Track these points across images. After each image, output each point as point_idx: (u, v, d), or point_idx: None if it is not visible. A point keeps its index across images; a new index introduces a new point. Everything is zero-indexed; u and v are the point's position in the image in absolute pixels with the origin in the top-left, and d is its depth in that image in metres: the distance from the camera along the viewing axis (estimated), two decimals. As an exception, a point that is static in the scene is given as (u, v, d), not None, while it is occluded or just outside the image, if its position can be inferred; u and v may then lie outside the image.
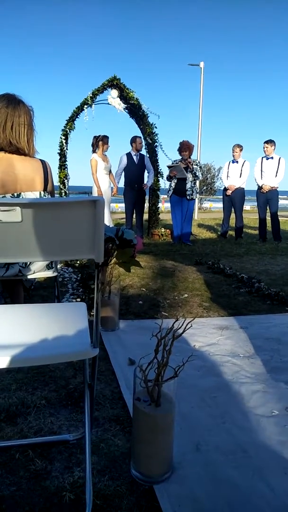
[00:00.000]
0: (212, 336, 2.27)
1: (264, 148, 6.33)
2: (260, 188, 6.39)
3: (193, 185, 5.96)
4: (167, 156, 6.57)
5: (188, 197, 5.93)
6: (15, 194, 1.68)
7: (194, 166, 5.91)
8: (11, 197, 1.66)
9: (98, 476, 1.15)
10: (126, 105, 6.68)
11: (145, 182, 6.42)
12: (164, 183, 6.76)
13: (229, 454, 1.26)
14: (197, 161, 6.16)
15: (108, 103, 6.45)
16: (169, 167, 5.94)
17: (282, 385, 1.71)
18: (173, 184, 5.97)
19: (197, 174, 5.99)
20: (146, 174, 6.48)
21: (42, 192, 1.75)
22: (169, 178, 6.01)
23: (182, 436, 1.34)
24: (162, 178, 6.81)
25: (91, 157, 5.87)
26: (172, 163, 5.97)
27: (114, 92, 6.40)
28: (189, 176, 5.88)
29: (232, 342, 2.18)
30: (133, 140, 6.24)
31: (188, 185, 5.90)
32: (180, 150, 5.93)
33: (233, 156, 6.54)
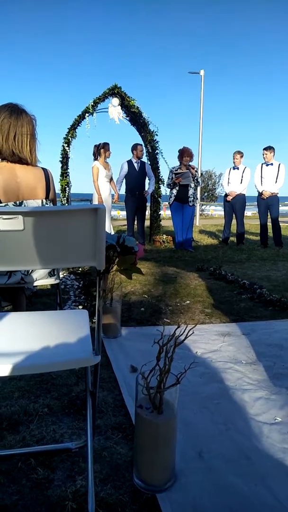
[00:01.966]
0: (214, 342, 2.26)
1: (263, 155, 6.36)
2: (260, 194, 6.41)
3: (194, 192, 6.01)
4: (167, 164, 6.62)
5: (190, 204, 5.97)
6: (17, 202, 1.69)
7: (195, 172, 5.97)
8: (13, 205, 1.67)
9: (100, 485, 1.15)
10: (126, 114, 6.74)
11: (146, 189, 6.45)
12: (165, 190, 6.79)
13: (232, 462, 1.25)
14: (196, 168, 6.21)
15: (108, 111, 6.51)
16: (175, 173, 5.94)
17: (285, 391, 1.71)
18: (174, 191, 5.99)
19: (199, 180, 6.07)
20: (147, 181, 6.52)
21: (44, 200, 1.76)
22: (172, 185, 6.01)
23: (185, 443, 1.33)
24: (163, 185, 6.85)
25: (93, 164, 5.91)
26: (174, 170, 5.98)
27: (115, 101, 6.47)
28: (192, 183, 5.94)
29: (234, 349, 2.18)
30: (134, 147, 6.28)
31: (190, 192, 5.94)
32: (181, 157, 5.96)
33: (234, 162, 6.57)
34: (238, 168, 6.52)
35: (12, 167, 1.70)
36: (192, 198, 5.98)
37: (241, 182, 6.47)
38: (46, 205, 1.76)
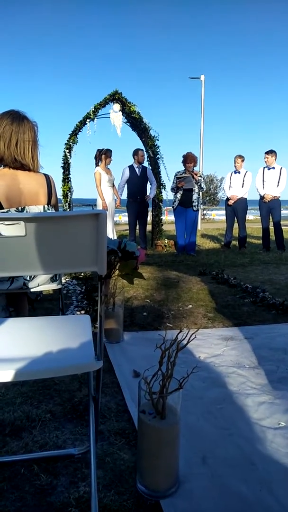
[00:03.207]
0: (217, 347, 2.26)
1: (265, 158, 6.37)
2: (262, 198, 6.41)
3: (198, 196, 6.02)
4: (165, 170, 6.65)
5: (194, 208, 5.99)
6: (20, 208, 1.70)
7: (199, 178, 5.98)
8: (15, 211, 1.68)
9: (103, 491, 1.14)
10: (126, 120, 6.78)
11: (147, 194, 6.47)
12: (166, 195, 6.81)
13: (236, 467, 1.24)
14: (200, 173, 6.23)
15: (110, 117, 6.55)
16: (178, 178, 5.96)
17: (289, 396, 1.70)
18: (178, 196, 6.00)
19: (202, 185, 6.08)
20: (148, 185, 6.54)
21: (46, 206, 1.77)
22: (176, 189, 6.03)
23: (188, 448, 1.32)
24: (165, 190, 6.87)
25: (95, 170, 5.93)
26: (179, 174, 6.00)
27: (116, 106, 6.51)
28: (195, 187, 5.95)
29: (237, 353, 2.17)
30: (135, 152, 6.31)
31: (195, 196, 5.95)
32: (185, 162, 5.98)
33: (235, 166, 6.58)
34: (239, 172, 6.53)
35: (14, 173, 1.71)
36: (197, 203, 6.00)
37: (242, 186, 6.48)
38: (48, 211, 1.77)
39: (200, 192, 6.22)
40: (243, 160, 6.56)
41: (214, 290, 3.66)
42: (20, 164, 1.70)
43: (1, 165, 1.75)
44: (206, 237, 9.11)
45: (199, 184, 5.96)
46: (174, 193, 6.10)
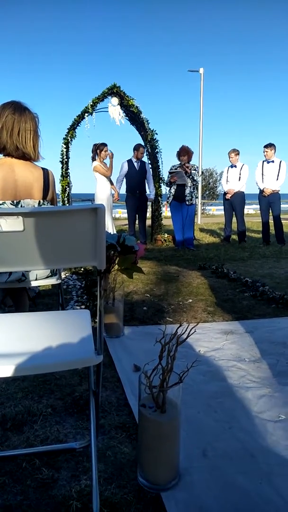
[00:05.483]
0: (217, 341, 2.26)
1: (264, 152, 6.35)
2: (261, 191, 6.40)
3: (192, 190, 5.96)
4: (161, 164, 6.64)
5: (187, 203, 5.94)
6: (15, 201, 1.69)
7: (193, 171, 5.92)
8: (10, 203, 1.68)
9: (105, 484, 1.15)
10: (125, 114, 6.74)
11: (146, 188, 6.46)
12: (165, 189, 6.80)
13: (236, 460, 1.25)
14: (195, 166, 6.17)
15: (108, 111, 6.51)
16: (170, 172, 5.96)
17: (289, 389, 1.70)
18: (172, 190, 5.99)
19: (196, 178, 5.98)
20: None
21: (42, 201, 1.76)
22: (169, 184, 6.03)
23: (189, 442, 1.33)
24: (164, 184, 6.85)
25: (94, 164, 5.90)
26: (173, 169, 5.98)
27: (114, 100, 6.46)
28: (188, 182, 5.89)
29: (237, 347, 2.17)
30: (137, 147, 6.28)
31: (187, 191, 5.90)
32: (179, 155, 5.96)
33: (230, 161, 6.56)
34: (235, 166, 6.51)
35: (11, 163, 1.70)
36: (190, 197, 5.94)
37: (239, 180, 6.46)
38: (44, 205, 1.76)
39: (198, 186, 6.18)
40: (237, 154, 6.54)
41: (214, 284, 3.66)
42: (22, 153, 1.71)
43: (1, 154, 1.75)
44: (206, 232, 9.10)
45: (191, 177, 5.89)
46: (168, 188, 6.08)
